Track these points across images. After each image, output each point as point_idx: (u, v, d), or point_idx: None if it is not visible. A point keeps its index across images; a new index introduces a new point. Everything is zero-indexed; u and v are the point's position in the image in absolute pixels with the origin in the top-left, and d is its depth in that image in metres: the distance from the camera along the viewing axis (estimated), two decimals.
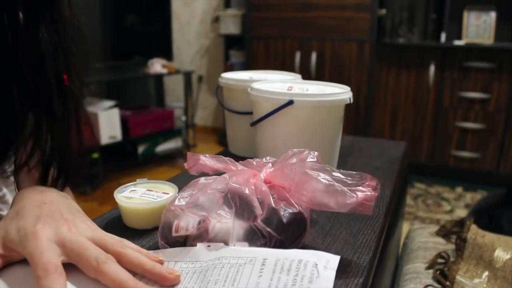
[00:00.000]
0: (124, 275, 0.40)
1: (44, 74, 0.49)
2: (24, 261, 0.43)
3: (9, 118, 0.50)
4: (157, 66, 3.06)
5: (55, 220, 0.43)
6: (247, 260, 0.43)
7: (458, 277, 0.77)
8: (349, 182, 0.48)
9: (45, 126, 0.51)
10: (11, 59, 0.48)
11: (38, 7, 0.48)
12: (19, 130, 0.51)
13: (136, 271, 0.43)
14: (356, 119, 2.95)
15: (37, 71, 0.49)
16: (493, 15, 2.72)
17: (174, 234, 0.48)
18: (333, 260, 0.42)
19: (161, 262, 0.45)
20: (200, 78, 3.95)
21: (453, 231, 0.95)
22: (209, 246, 0.47)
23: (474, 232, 0.89)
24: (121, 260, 0.41)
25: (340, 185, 0.47)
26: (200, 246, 0.47)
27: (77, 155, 0.55)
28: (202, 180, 0.52)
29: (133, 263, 0.42)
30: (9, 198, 0.61)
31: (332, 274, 0.40)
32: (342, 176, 0.49)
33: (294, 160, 0.52)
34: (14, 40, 0.48)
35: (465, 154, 2.74)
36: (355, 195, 0.46)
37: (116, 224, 0.60)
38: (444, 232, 0.97)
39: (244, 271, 0.42)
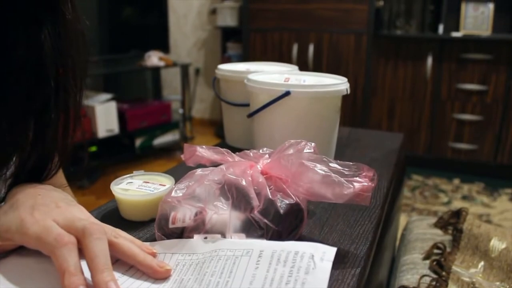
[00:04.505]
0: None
1: (43, 79, 0.47)
2: (16, 252, 0.43)
3: (13, 123, 0.48)
4: (154, 59, 3.04)
5: (50, 208, 0.43)
6: (244, 252, 0.43)
7: (454, 267, 0.77)
8: (346, 173, 0.48)
9: (37, 131, 0.49)
10: (12, 61, 0.46)
11: (41, 9, 0.46)
12: (23, 135, 0.49)
13: (128, 262, 0.43)
14: (353, 111, 2.95)
15: (37, 76, 0.47)
16: (491, 6, 2.71)
17: (171, 225, 0.48)
18: (330, 251, 0.42)
19: (154, 255, 0.45)
20: (197, 71, 3.93)
21: (450, 222, 0.95)
22: (205, 238, 0.47)
23: (470, 223, 0.89)
24: (114, 250, 0.41)
25: (337, 176, 0.47)
26: (196, 238, 0.47)
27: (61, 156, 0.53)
28: (198, 171, 0.52)
29: (126, 254, 0.42)
30: None
31: (328, 265, 0.40)
32: (339, 167, 0.48)
33: (291, 151, 0.52)
34: (14, 43, 0.46)
35: (463, 146, 2.75)
36: (352, 186, 0.46)
37: (113, 216, 0.60)
38: (442, 224, 0.97)
39: (241, 263, 0.42)
